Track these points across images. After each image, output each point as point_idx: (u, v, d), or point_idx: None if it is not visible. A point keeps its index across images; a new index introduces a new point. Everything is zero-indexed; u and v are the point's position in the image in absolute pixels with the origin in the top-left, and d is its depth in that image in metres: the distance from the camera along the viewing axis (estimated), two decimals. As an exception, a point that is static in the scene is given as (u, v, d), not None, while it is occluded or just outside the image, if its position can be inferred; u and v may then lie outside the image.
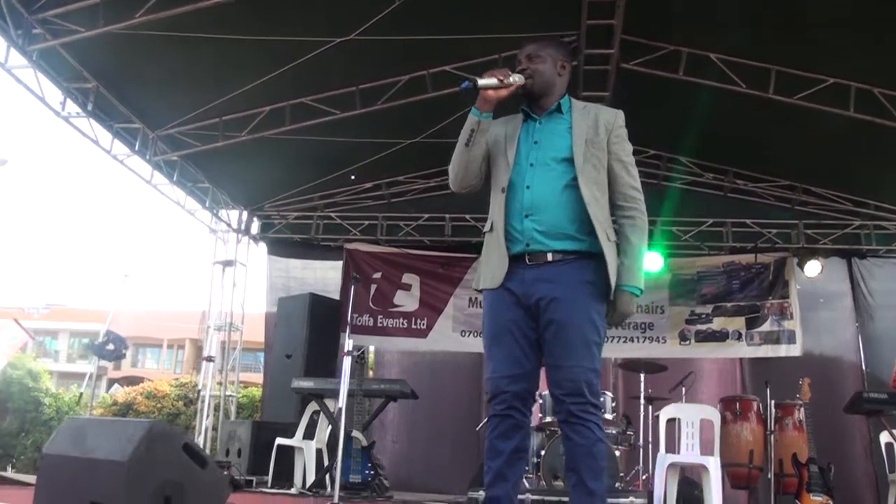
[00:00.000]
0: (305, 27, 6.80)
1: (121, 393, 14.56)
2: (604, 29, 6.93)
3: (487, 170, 3.18)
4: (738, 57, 7.11)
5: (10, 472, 7.35)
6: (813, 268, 9.23)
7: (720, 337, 9.37)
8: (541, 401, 7.12)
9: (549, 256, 2.99)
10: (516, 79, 3.03)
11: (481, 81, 2.96)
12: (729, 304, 9.45)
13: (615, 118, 3.17)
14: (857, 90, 7.00)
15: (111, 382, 28.40)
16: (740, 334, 9.32)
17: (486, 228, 3.14)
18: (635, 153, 10.04)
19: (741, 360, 9.47)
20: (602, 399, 7.37)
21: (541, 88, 3.14)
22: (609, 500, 5.72)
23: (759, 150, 8.78)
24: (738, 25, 6.84)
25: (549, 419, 7.20)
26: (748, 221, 9.63)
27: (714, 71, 7.22)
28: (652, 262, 9.51)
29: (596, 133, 3.10)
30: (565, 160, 3.05)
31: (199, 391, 9.25)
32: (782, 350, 9.07)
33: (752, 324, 9.29)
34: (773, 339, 9.17)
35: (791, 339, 9.08)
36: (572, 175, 3.02)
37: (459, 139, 3.09)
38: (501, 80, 2.98)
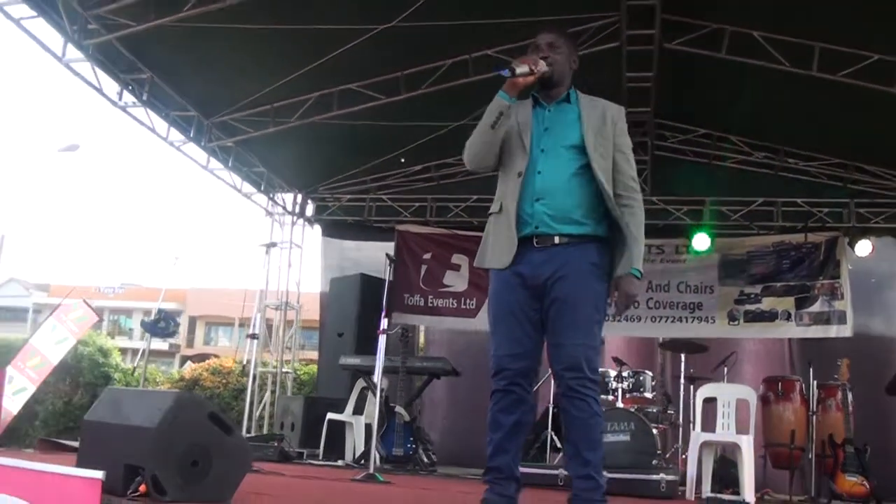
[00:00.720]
0: (350, 16, 7.00)
1: (188, 369, 15.09)
2: (645, 9, 6.95)
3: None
4: (781, 34, 7.04)
5: (78, 443, 7.79)
6: (864, 247, 9.06)
7: (769, 317, 9.27)
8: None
9: (556, 239, 3.12)
10: (542, 67, 3.15)
11: (517, 69, 3.09)
12: (778, 284, 9.32)
13: (619, 113, 3.30)
14: (904, 66, 6.87)
15: (184, 359, 29.44)
16: (790, 314, 9.20)
17: (495, 210, 3.26)
18: (686, 132, 10.00)
19: (790, 340, 9.38)
20: (642, 378, 7.49)
21: (558, 78, 3.26)
22: (642, 477, 5.96)
23: (811, 128, 8.66)
24: (779, 2, 6.78)
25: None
26: (799, 200, 9.51)
27: (757, 49, 7.16)
28: (701, 242, 9.49)
29: (603, 124, 3.22)
30: (574, 148, 3.17)
31: (243, 366, 9.60)
32: (832, 331, 8.93)
33: (801, 304, 9.16)
34: (823, 319, 9.04)
35: (841, 319, 8.92)
36: (581, 163, 3.15)
37: (484, 121, 3.20)
38: (532, 69, 3.11)
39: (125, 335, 38.18)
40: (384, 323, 5.70)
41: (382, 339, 5.64)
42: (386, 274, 6.11)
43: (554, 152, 3.17)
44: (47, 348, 10.18)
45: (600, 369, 4.42)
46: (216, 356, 16.90)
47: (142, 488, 2.99)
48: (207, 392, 13.00)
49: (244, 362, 10.30)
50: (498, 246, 3.18)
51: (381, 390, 6.65)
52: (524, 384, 3.15)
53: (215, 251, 73.35)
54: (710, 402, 6.59)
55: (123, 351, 17.96)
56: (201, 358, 19.59)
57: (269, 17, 6.81)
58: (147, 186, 79.93)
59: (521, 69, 3.08)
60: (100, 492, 2.45)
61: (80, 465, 3.07)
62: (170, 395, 3.30)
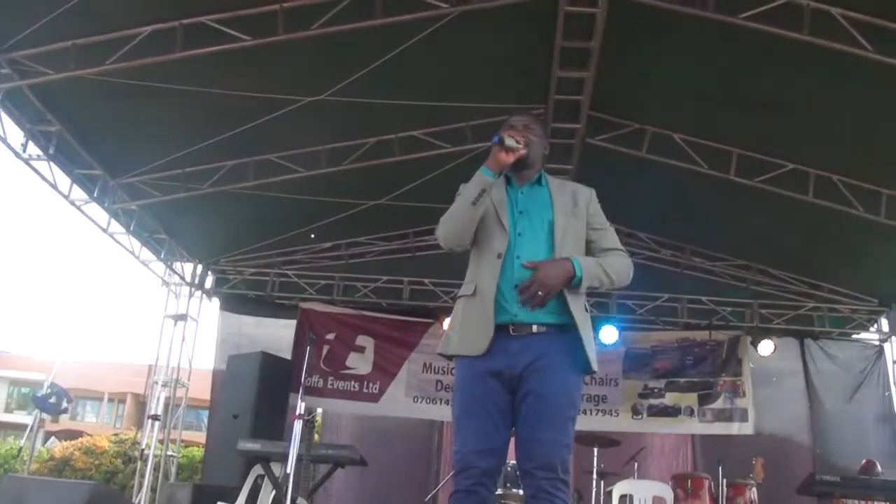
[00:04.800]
0: (277, 85, 6.80)
1: (58, 448, 14.01)
2: (571, 104, 7.05)
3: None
4: (701, 138, 7.29)
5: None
6: (766, 347, 9.34)
7: (672, 412, 9.38)
8: (497, 473, 6.95)
9: (534, 328, 2.95)
10: (522, 146, 3.04)
11: (507, 141, 2.96)
12: (682, 380, 9.50)
13: (591, 194, 3.22)
14: (817, 177, 7.19)
15: (48, 435, 27.42)
16: (692, 410, 9.35)
17: (468, 292, 3.06)
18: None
19: (693, 436, 9.49)
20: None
21: (532, 159, 3.16)
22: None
23: (717, 229, 8.94)
24: (701, 107, 7.02)
25: (500, 491, 7.04)
26: (703, 298, 9.76)
27: (677, 150, 7.38)
28: (608, 335, 9.54)
29: (575, 205, 3.13)
30: (549, 233, 3.05)
31: (142, 450, 8.89)
32: (734, 428, 9.11)
33: (704, 400, 9.34)
34: (725, 416, 9.22)
35: (743, 417, 9.12)
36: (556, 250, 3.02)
37: (464, 198, 3.03)
38: (518, 143, 2.99)
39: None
40: (301, 406, 5.35)
41: (298, 425, 5.27)
42: (304, 355, 5.76)
43: (531, 237, 3.04)
44: None
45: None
46: (87, 433, 15.84)
47: None
48: (79, 474, 12.03)
49: (143, 445, 9.48)
50: (471, 332, 2.98)
51: (287, 479, 6.21)
52: (489, 484, 2.91)
53: (99, 321, 69.10)
54: (623, 499, 6.48)
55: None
56: (68, 434, 18.35)
57: (190, 80, 6.52)
58: (31, 248, 75.52)
59: (510, 142, 2.96)
60: None
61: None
62: (83, 487, 2.90)
